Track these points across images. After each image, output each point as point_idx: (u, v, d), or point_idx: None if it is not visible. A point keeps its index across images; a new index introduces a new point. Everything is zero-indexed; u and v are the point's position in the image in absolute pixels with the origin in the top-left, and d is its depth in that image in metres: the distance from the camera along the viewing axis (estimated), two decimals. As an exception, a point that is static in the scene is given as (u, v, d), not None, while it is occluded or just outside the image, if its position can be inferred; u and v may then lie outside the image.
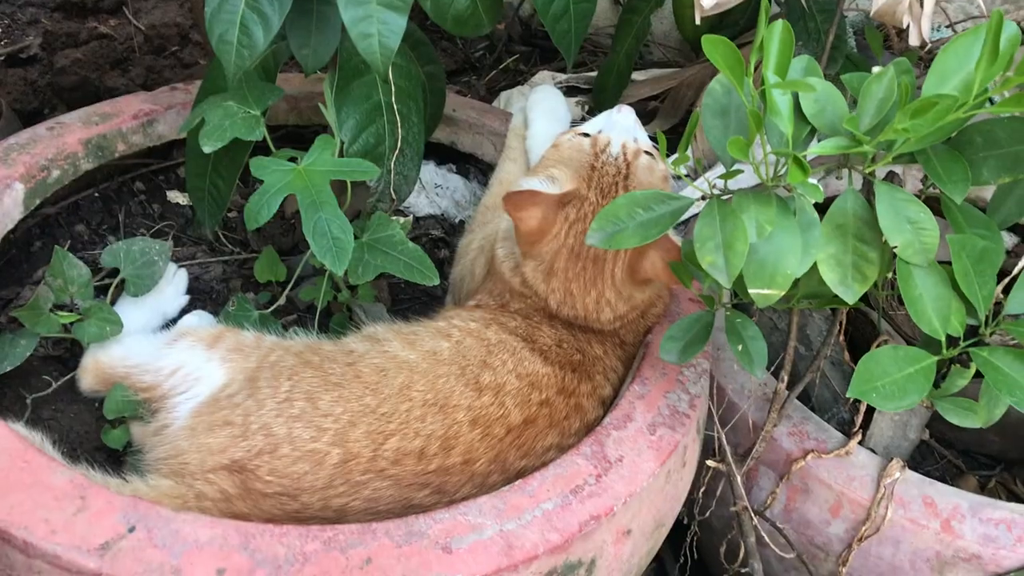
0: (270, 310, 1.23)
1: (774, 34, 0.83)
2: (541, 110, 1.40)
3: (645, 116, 1.77)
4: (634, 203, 0.87)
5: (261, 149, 1.15)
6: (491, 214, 1.35)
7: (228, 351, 1.09)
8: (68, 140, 1.28)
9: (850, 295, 0.90)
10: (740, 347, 0.96)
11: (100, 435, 1.10)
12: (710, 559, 1.37)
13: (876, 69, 0.87)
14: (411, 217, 1.42)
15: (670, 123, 1.74)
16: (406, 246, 1.15)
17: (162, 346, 1.12)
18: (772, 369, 1.23)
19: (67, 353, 1.20)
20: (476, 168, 1.52)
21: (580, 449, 0.98)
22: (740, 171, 0.85)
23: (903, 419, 1.25)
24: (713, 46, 0.78)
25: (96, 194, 1.42)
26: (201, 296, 1.33)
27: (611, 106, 1.58)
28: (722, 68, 0.78)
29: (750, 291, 0.84)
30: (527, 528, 0.89)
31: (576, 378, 1.06)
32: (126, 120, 1.35)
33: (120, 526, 0.82)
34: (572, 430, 1.04)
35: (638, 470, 0.97)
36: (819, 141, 0.87)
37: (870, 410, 1.25)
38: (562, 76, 1.87)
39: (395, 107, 1.16)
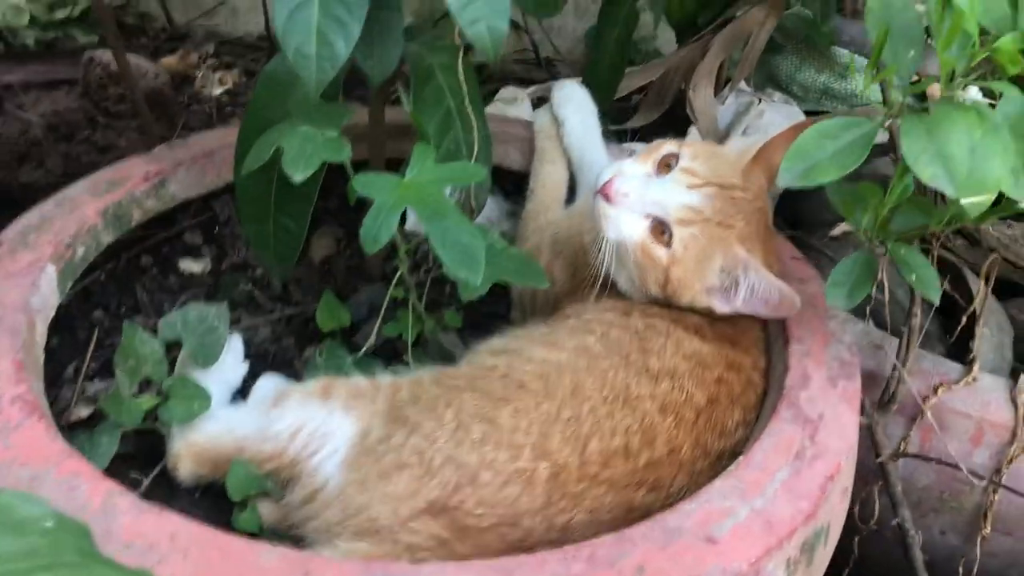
0: (360, 354, 1.12)
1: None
2: (571, 107, 1.35)
3: (628, 112, 1.75)
4: (821, 135, 0.83)
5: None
6: (544, 217, 1.29)
7: (347, 398, 0.97)
8: (86, 212, 1.13)
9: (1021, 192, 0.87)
10: (914, 276, 0.94)
11: (224, 522, 0.95)
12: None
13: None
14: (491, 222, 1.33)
15: (655, 114, 1.71)
16: (509, 252, 1.06)
17: (267, 410, 0.99)
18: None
19: (132, 448, 1.04)
20: (498, 182, 1.45)
21: (778, 413, 0.93)
22: (933, 80, 0.83)
23: (999, 340, 1.26)
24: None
25: (102, 276, 1.26)
26: (257, 360, 1.18)
27: (609, 99, 1.55)
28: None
29: (962, 202, 0.81)
30: (775, 503, 0.83)
31: (737, 353, 1.00)
32: (137, 183, 1.20)
33: (368, 592, 0.70)
34: (751, 404, 0.98)
35: (844, 423, 0.93)
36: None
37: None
38: (527, 89, 1.83)
39: (468, 110, 1.08)
